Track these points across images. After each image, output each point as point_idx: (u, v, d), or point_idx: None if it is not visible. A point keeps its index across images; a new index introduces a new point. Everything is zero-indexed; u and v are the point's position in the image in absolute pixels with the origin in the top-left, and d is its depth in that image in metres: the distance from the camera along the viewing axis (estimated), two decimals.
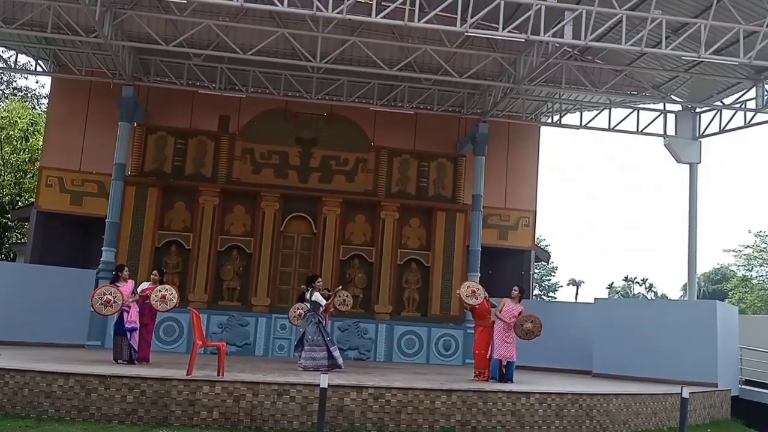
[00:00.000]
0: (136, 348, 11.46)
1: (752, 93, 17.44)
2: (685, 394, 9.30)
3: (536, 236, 22.07)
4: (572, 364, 15.97)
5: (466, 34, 13.07)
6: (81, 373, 9.08)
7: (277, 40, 16.12)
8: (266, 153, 18.79)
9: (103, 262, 16.31)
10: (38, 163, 20.99)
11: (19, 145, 25.73)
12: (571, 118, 20.86)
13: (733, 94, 18.20)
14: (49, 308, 15.47)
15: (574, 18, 12.79)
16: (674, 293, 61.37)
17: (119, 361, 11.39)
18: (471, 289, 12.45)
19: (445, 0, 12.41)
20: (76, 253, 19.78)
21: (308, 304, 12.45)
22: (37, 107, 31.63)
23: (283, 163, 18.81)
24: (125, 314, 11.43)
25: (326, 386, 8.16)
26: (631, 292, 65.04)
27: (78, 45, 17.72)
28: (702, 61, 16.16)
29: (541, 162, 21.32)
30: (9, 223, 25.37)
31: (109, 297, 11.24)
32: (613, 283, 66.48)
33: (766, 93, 17.04)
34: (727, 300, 38.38)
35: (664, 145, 19.40)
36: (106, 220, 16.70)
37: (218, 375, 9.81)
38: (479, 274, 17.69)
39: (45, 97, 29.81)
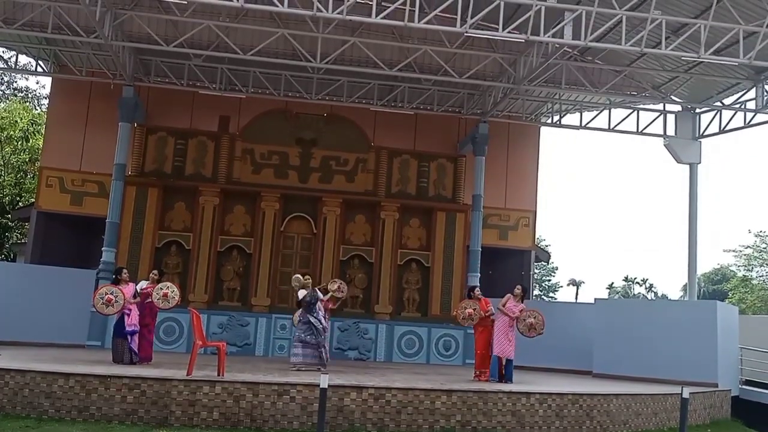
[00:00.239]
0: (136, 351, 11.46)
1: (752, 93, 17.45)
2: (686, 395, 9.32)
3: (536, 236, 22.07)
4: (572, 365, 15.99)
5: (466, 34, 13.09)
6: (81, 374, 9.09)
7: (277, 40, 16.12)
8: (266, 153, 18.79)
9: (103, 262, 16.31)
10: (38, 163, 20.98)
11: (19, 146, 25.72)
12: (571, 119, 20.88)
13: (733, 95, 18.20)
14: (49, 308, 15.50)
15: (573, 18, 12.80)
16: (674, 293, 61.35)
17: (119, 364, 11.38)
18: (468, 312, 12.53)
19: (445, 0, 12.41)
20: (76, 253, 19.77)
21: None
22: (37, 108, 31.62)
23: (283, 163, 18.81)
24: (126, 317, 11.43)
25: (326, 386, 8.17)
26: (631, 292, 64.95)
27: (78, 45, 17.74)
28: (702, 62, 16.18)
29: (541, 162, 21.36)
30: (9, 223, 25.33)
31: (111, 296, 11.26)
32: (613, 283, 66.47)
33: (765, 93, 17.05)
34: (727, 300, 38.33)
35: (664, 145, 19.39)
36: (107, 220, 16.69)
37: (218, 375, 9.81)
38: (479, 275, 17.71)
39: (45, 98, 29.84)
